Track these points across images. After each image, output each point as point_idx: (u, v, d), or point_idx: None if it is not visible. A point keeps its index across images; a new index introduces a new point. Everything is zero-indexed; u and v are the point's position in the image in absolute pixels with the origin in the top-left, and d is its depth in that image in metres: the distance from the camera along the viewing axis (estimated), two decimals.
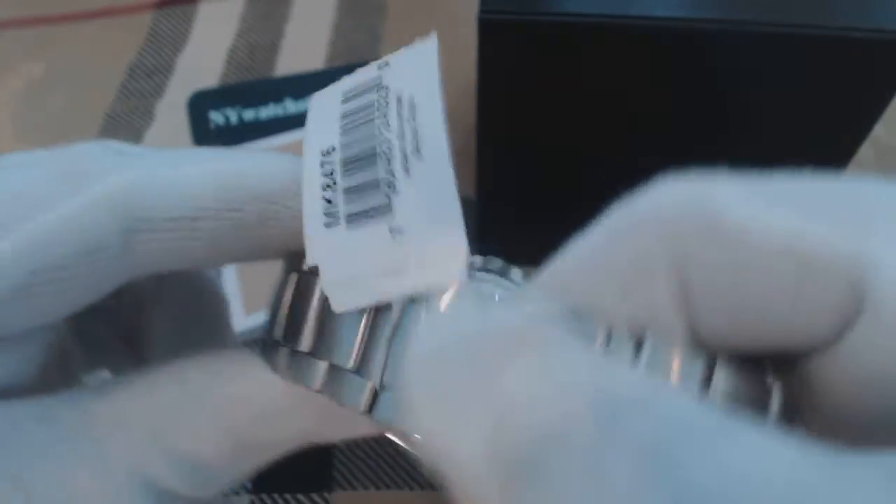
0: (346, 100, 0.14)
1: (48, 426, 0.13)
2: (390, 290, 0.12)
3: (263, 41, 0.41)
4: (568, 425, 0.09)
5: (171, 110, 0.38)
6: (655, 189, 0.12)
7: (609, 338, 0.12)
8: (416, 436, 0.11)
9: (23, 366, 0.14)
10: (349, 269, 0.13)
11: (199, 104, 0.35)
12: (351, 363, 0.13)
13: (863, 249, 0.11)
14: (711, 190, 0.12)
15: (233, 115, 0.34)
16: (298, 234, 0.13)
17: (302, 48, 0.41)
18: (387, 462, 0.26)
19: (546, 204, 0.29)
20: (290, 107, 0.35)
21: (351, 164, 0.13)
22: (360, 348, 0.13)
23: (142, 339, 0.18)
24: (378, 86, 0.14)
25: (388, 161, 0.13)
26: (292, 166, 0.14)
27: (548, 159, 0.28)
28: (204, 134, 0.34)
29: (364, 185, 0.13)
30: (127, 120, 0.38)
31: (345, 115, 0.14)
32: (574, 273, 0.12)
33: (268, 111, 0.34)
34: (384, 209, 0.12)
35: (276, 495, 0.26)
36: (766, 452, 0.09)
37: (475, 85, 0.28)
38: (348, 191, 0.13)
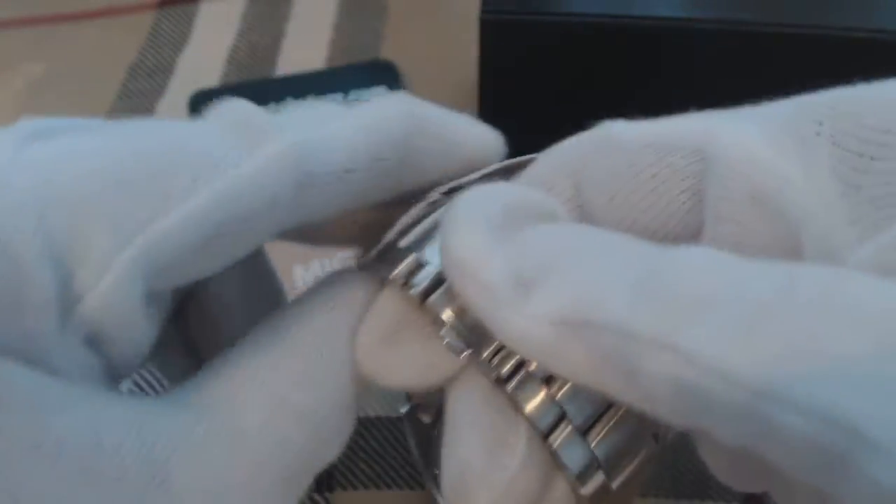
0: None
1: (189, 414, 0.14)
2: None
3: (264, 41, 0.41)
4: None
5: (172, 110, 0.38)
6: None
7: None
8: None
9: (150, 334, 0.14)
10: None
11: (200, 104, 0.35)
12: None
13: (705, 127, 0.14)
14: (614, 124, 0.15)
15: None
16: (427, 172, 0.16)
17: (303, 48, 0.41)
18: (388, 462, 0.26)
19: None
20: (292, 106, 0.35)
21: None
22: None
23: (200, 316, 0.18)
24: None
25: None
26: (417, 109, 0.16)
27: None
28: None
29: None
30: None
31: None
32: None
33: (269, 111, 0.35)
34: None
35: None
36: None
37: (476, 85, 0.28)
38: None
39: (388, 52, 0.39)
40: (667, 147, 0.14)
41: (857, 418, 0.09)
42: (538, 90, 0.26)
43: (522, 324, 0.12)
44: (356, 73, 0.36)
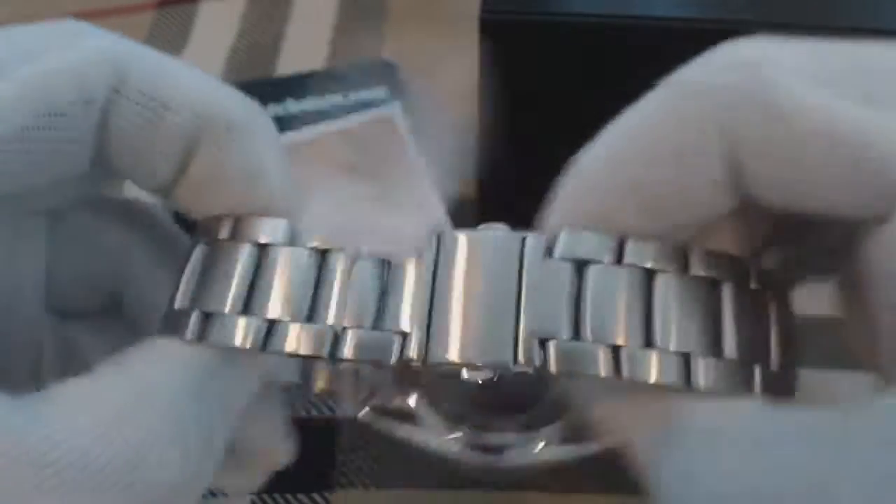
0: None
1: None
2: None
3: (264, 41, 0.41)
4: None
5: None
6: (707, 64, 0.13)
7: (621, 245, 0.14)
8: None
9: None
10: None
11: None
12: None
13: None
14: (766, 67, 0.12)
15: None
16: (133, 144, 0.14)
17: (303, 48, 0.41)
18: (387, 462, 0.26)
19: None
20: (291, 107, 0.35)
21: None
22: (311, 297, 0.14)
23: (133, 304, 0.18)
24: None
25: None
26: (124, 54, 0.14)
27: (550, 160, 0.28)
28: None
29: None
30: None
31: None
32: (627, 140, 0.14)
33: (268, 111, 0.35)
34: None
35: (276, 495, 0.26)
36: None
37: (476, 85, 0.28)
38: None
39: (388, 52, 0.39)
40: (870, 155, 0.11)
41: None
42: (538, 90, 0.26)
43: None
44: (356, 73, 0.36)
